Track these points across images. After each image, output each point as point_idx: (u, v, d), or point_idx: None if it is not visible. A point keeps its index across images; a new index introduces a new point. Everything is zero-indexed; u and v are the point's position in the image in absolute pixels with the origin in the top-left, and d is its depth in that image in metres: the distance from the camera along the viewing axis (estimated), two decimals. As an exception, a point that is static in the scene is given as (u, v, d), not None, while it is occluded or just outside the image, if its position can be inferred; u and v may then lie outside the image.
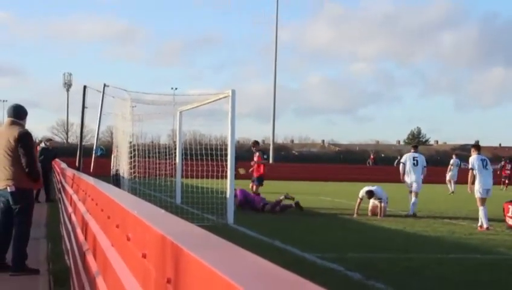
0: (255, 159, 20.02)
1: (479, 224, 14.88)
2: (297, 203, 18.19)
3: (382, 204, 17.27)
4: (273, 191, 20.99)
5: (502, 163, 45.00)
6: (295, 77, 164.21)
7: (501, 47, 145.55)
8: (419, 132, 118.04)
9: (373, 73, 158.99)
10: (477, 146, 16.31)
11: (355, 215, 17.08)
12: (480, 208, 14.90)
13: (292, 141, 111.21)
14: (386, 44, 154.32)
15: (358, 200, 17.49)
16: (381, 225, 15.24)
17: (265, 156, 20.29)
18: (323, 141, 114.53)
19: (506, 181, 42.09)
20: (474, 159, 15.39)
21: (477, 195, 15.03)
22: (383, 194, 17.52)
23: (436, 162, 67.17)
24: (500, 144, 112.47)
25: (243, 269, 1.65)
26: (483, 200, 14.95)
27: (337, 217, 17.36)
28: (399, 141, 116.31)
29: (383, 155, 77.78)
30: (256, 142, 21.22)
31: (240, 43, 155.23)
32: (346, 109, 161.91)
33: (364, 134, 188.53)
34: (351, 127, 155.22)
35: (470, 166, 15.47)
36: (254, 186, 19.96)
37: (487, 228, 14.60)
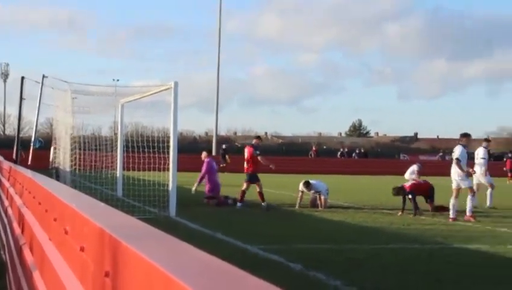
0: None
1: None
2: (234, 200, 18.14)
3: (322, 196, 17.47)
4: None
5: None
6: (242, 68, 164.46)
7: (445, 40, 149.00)
8: (360, 124, 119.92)
9: (319, 64, 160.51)
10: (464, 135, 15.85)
11: (297, 207, 17.23)
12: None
13: (235, 133, 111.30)
14: (333, 35, 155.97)
15: (300, 193, 17.64)
16: (322, 217, 15.42)
17: (257, 152, 17.62)
18: (266, 133, 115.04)
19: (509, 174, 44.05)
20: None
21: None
22: (321, 186, 17.71)
23: (376, 154, 68.49)
24: (437, 136, 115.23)
25: (183, 262, 1.63)
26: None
27: (279, 209, 17.46)
28: (341, 133, 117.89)
29: (325, 147, 78.77)
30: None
31: (187, 33, 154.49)
32: (291, 100, 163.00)
33: (307, 126, 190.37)
34: (295, 119, 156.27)
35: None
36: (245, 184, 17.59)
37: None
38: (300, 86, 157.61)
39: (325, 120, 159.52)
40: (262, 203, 17.10)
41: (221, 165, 46.81)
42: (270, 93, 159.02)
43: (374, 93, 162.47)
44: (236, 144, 65.09)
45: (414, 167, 17.78)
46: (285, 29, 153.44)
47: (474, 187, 18.28)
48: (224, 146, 49.28)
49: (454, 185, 15.17)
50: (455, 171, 15.14)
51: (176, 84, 14.84)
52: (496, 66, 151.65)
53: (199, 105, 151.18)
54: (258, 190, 17.37)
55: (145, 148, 18.36)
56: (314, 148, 60.12)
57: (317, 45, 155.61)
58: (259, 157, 17.55)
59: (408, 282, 7.70)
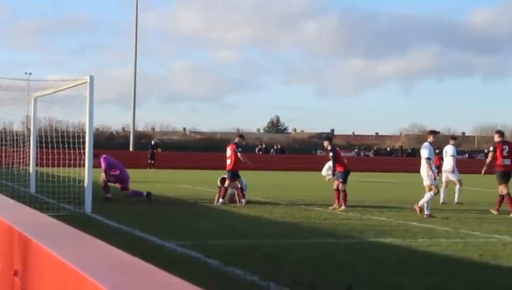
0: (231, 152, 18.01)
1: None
2: (148, 194, 17.85)
3: (241, 192, 17.56)
4: (135, 179, 20.61)
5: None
6: (161, 63, 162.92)
7: (360, 38, 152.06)
8: (278, 120, 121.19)
9: (238, 61, 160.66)
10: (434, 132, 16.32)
11: (215, 203, 17.24)
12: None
13: (153, 129, 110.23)
14: (252, 32, 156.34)
15: (218, 189, 17.66)
16: (240, 212, 15.49)
17: (239, 149, 18.04)
18: (184, 128, 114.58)
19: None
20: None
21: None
22: (240, 182, 17.79)
23: (294, 150, 69.42)
24: (353, 133, 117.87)
25: (96, 260, 1.59)
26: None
27: (197, 204, 17.43)
28: (259, 129, 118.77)
29: (244, 143, 79.20)
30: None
31: (104, 26, 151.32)
32: (210, 96, 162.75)
33: (226, 122, 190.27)
34: (214, 115, 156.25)
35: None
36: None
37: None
38: (219, 82, 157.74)
39: (243, 116, 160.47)
40: (221, 200, 17.30)
41: (149, 162, 46.67)
42: (189, 89, 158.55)
43: (292, 91, 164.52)
44: (154, 139, 64.55)
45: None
46: (204, 25, 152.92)
47: (443, 184, 19.27)
48: (153, 142, 50.85)
49: (425, 183, 15.52)
50: (424, 170, 15.49)
51: (92, 78, 14.57)
52: (409, 65, 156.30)
53: (116, 100, 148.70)
54: (238, 186, 17.61)
55: (59, 143, 17.88)
56: (232, 144, 60.29)
57: (235, 42, 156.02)
58: (239, 155, 17.81)
59: (324, 276, 7.84)
